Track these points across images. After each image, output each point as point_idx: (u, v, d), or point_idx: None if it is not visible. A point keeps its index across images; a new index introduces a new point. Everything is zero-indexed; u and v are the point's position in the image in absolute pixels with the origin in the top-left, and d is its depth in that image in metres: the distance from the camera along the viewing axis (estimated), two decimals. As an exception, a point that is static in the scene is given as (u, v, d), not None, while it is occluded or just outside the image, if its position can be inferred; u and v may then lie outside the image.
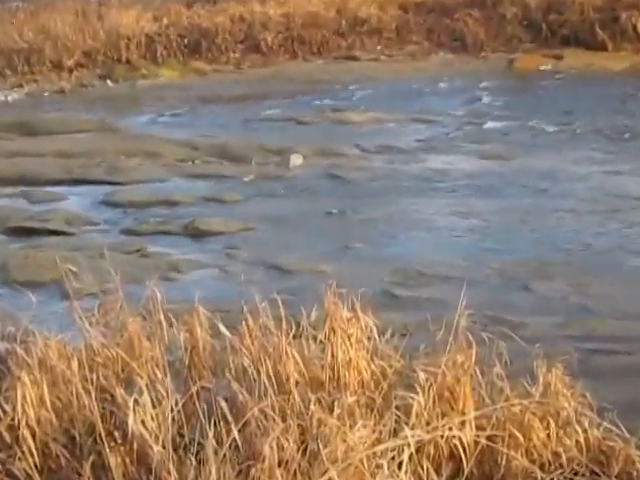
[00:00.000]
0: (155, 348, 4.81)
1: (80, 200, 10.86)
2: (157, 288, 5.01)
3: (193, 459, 4.13)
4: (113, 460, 4.26)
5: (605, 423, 4.56)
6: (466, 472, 4.36)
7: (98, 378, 4.62)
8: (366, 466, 4.06)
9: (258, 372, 4.52)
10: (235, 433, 4.13)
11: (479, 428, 4.40)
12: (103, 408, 4.50)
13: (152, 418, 4.28)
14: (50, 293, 7.52)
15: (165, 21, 19.56)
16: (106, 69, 18.51)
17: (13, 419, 4.51)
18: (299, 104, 15.57)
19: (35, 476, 4.42)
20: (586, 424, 4.52)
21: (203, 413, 4.29)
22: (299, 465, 4.06)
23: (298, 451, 4.10)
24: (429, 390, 4.43)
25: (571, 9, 18.59)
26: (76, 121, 14.67)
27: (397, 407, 4.36)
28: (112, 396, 4.52)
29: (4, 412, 4.56)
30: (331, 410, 4.30)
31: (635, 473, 4.38)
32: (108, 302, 5.13)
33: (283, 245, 8.91)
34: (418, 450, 4.26)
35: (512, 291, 7.60)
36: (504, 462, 4.39)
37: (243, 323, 4.81)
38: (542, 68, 17.63)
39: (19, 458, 4.45)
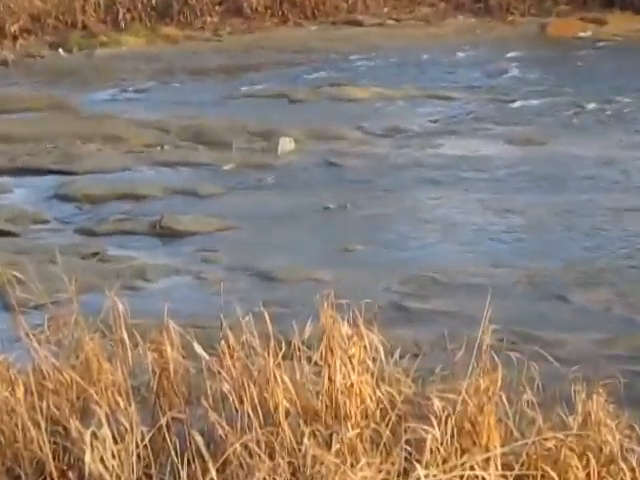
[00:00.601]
0: (117, 371, 4.81)
1: (27, 193, 10.86)
2: (119, 299, 5.01)
3: (162, 504, 4.14)
4: (66, 505, 4.27)
5: (657, 460, 4.57)
6: (490, 519, 4.37)
7: (48, 407, 4.62)
8: (370, 512, 4.07)
9: (240, 400, 4.53)
10: (213, 473, 4.14)
11: (506, 467, 4.41)
12: (55, 443, 4.50)
13: (113, 455, 4.28)
14: (-10, 305, 7.52)
15: (129, -22, 19.58)
16: (58, 36, 18.50)
17: (-54, 457, 4.52)
18: (290, 78, 15.58)
19: (-27, 525, 4.43)
20: (634, 461, 4.53)
21: (174, 449, 4.30)
22: (290, 511, 4.08)
23: (289, 494, 4.12)
24: (446, 421, 4.43)
25: (615, -36, 18.63)
26: (22, 98, 14.66)
27: (408, 442, 4.36)
28: (65, 429, 4.52)
29: None
30: (328, 445, 4.31)
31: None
32: (60, 316, 5.13)
33: (271, 247, 8.92)
34: (433, 493, 4.27)
35: (546, 302, 7.61)
36: (536, 507, 4.40)
37: (222, 341, 4.82)
38: (580, 35, 17.63)
39: (-47, 503, 4.46)
